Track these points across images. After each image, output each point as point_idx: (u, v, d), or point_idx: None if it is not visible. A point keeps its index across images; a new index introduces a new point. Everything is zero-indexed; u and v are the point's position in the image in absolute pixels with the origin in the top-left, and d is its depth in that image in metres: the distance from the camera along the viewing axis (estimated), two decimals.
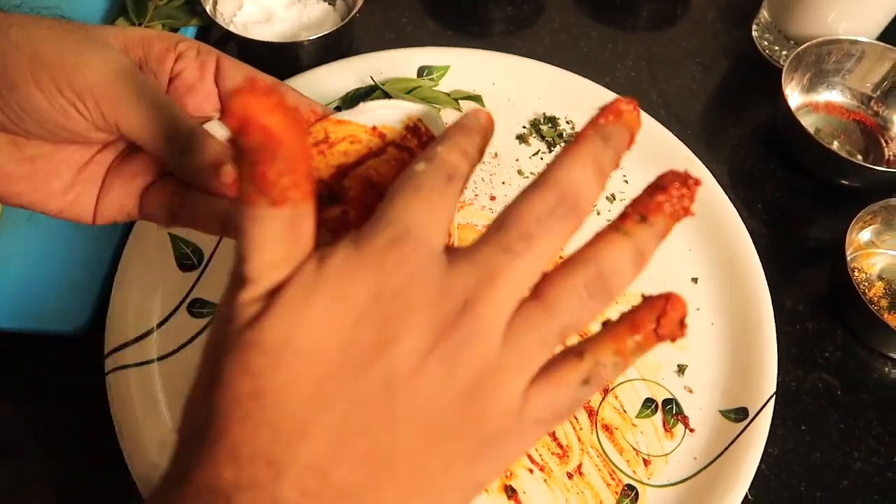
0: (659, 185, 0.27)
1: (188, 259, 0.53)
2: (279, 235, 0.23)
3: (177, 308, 0.50)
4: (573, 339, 0.26)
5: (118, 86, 0.29)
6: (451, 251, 0.25)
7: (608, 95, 0.63)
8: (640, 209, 0.27)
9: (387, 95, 0.60)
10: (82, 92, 0.29)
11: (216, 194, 0.32)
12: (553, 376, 0.25)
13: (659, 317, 0.26)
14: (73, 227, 0.53)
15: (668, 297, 0.27)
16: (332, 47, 0.64)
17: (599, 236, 0.26)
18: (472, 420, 0.23)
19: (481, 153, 0.29)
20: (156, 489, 0.23)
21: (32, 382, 0.49)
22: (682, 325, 0.27)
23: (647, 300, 0.27)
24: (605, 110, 0.27)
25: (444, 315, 0.23)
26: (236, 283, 0.23)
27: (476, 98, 0.63)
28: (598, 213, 0.58)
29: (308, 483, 0.21)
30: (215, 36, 0.69)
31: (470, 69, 0.63)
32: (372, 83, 0.61)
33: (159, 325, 0.49)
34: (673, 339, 0.27)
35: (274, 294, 0.23)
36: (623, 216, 0.27)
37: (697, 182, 0.27)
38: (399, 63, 0.63)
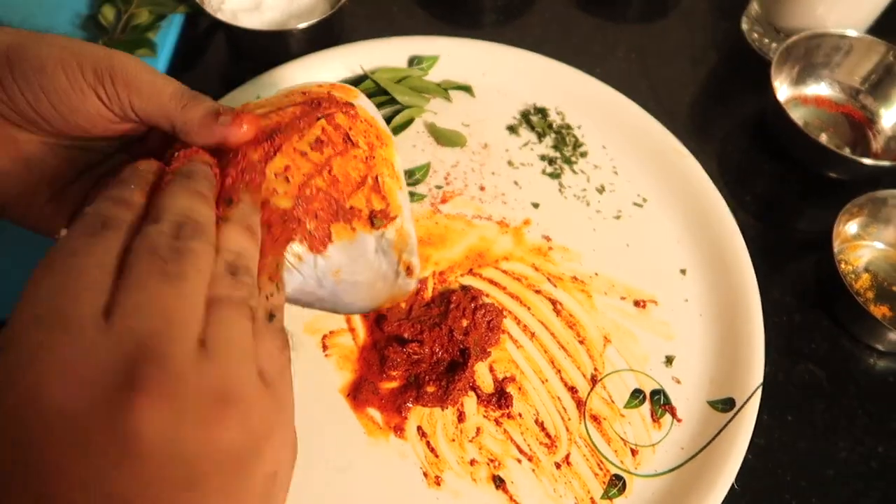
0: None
1: None
2: None
3: None
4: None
5: (135, 67, 0.32)
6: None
7: (599, 86, 0.62)
8: (223, 195, 0.30)
9: (376, 84, 0.60)
10: (104, 74, 0.31)
11: (216, 144, 0.33)
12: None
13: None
14: None
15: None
16: (322, 36, 0.63)
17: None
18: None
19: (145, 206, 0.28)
20: None
21: None
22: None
23: None
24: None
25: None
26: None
27: (466, 88, 0.62)
28: (588, 204, 0.58)
29: None
30: (204, 24, 0.68)
31: (460, 59, 0.63)
32: (361, 72, 0.61)
33: None
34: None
35: None
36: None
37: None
38: (389, 52, 0.62)
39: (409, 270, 0.38)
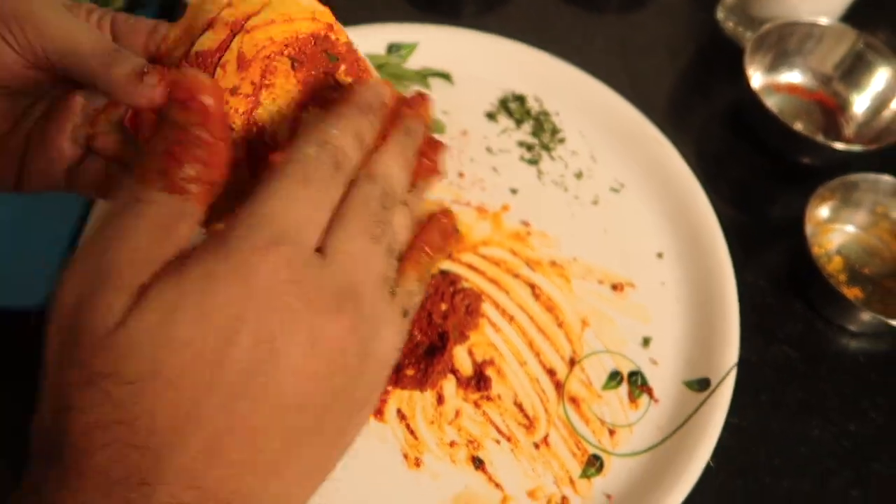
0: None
1: None
2: (155, 228, 0.22)
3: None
4: None
5: (44, 12, 0.29)
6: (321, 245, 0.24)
7: (577, 74, 0.63)
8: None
9: None
10: (8, 18, 0.29)
11: (140, 107, 0.31)
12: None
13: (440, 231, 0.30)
14: (33, 200, 0.52)
15: (444, 213, 0.30)
16: None
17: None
18: (355, 386, 0.24)
19: (383, 137, 0.28)
20: None
21: None
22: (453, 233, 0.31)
23: (429, 220, 0.30)
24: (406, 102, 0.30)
25: (324, 316, 0.23)
26: (92, 278, 0.22)
27: (445, 75, 0.63)
28: (566, 190, 0.58)
29: (184, 496, 0.21)
30: (180, 13, 0.68)
31: (439, 46, 0.63)
32: None
33: None
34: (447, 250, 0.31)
35: (136, 302, 0.21)
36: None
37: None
38: (367, 39, 0.62)
39: None
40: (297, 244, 0.23)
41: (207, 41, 0.31)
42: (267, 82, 0.31)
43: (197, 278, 0.22)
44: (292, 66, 0.31)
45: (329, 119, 0.27)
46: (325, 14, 0.33)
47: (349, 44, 0.34)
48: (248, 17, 0.32)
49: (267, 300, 0.22)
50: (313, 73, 0.31)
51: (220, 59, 0.31)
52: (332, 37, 0.33)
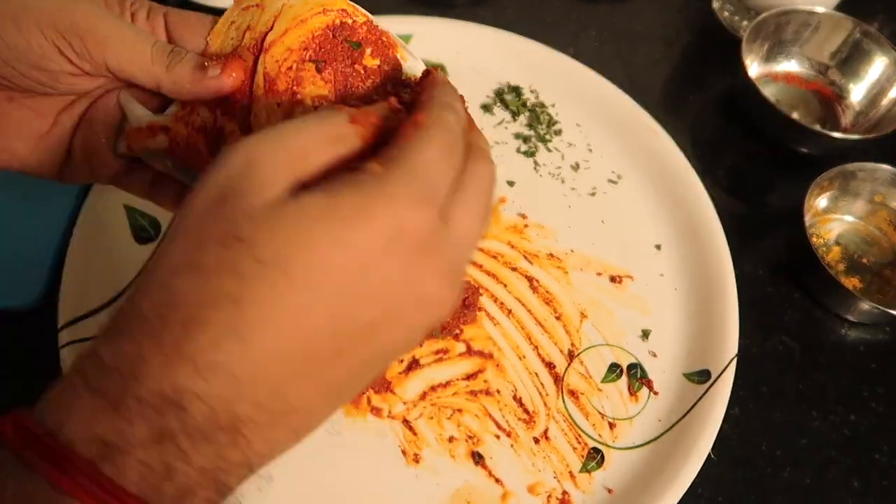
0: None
1: (145, 231, 0.51)
2: (327, 138, 0.24)
3: (134, 281, 0.49)
4: None
5: (102, 23, 0.30)
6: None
7: (573, 64, 0.62)
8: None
9: None
10: (67, 31, 0.29)
11: (210, 97, 0.32)
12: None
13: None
14: (23, 200, 0.52)
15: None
16: None
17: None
18: (415, 340, 0.26)
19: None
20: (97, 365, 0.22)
21: None
22: None
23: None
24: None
25: (436, 282, 0.25)
26: (263, 151, 0.23)
27: (440, 67, 0.62)
28: (563, 182, 0.58)
29: (262, 398, 0.22)
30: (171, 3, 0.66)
31: (433, 38, 0.63)
32: None
33: (116, 298, 0.48)
34: None
35: (295, 195, 0.23)
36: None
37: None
38: None
39: None
40: (437, 207, 0.24)
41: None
42: (297, 93, 0.31)
43: (352, 206, 0.23)
44: (317, 69, 0.31)
45: (448, 90, 0.29)
46: (335, 0, 0.32)
47: (368, 22, 0.33)
48: (265, 36, 0.31)
49: (405, 253, 0.23)
50: (340, 68, 0.31)
51: (251, 87, 0.31)
52: (349, 21, 0.32)
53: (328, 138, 0.25)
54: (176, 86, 0.31)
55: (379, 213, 0.23)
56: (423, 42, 0.62)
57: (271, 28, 0.32)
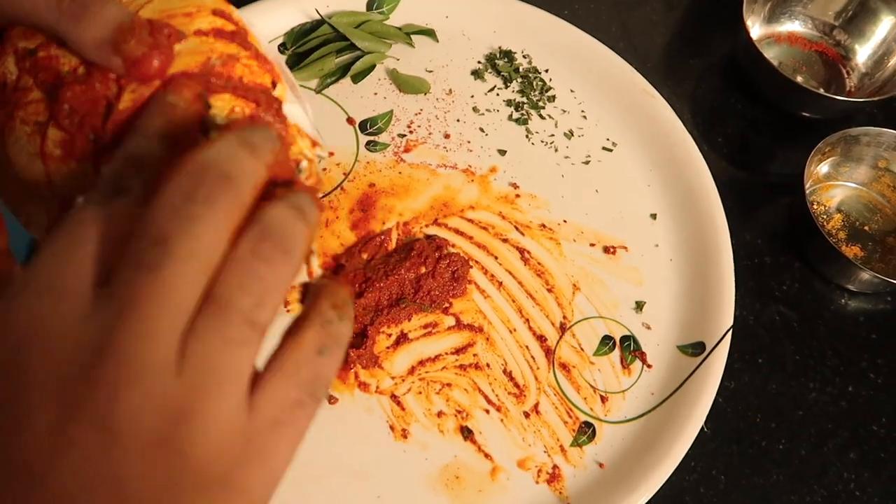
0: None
1: None
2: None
3: None
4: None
5: None
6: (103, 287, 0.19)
7: (567, 28, 0.60)
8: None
9: (334, 30, 0.57)
10: None
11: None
12: (276, 364, 0.20)
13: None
14: None
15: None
16: None
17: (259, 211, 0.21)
18: (180, 474, 0.18)
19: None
20: None
21: None
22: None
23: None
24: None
25: (73, 373, 0.18)
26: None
27: (429, 32, 0.60)
28: (556, 150, 0.56)
29: None
30: None
31: (422, 1, 0.60)
32: (318, 17, 0.58)
33: None
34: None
35: None
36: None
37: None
38: None
39: None
40: (49, 290, 0.20)
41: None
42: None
43: None
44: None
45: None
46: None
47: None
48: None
49: (10, 364, 0.19)
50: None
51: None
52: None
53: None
54: (78, 46, 0.25)
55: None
56: (411, 5, 0.60)
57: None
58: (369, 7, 0.59)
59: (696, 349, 0.48)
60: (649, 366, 0.49)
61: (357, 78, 0.57)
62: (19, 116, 0.26)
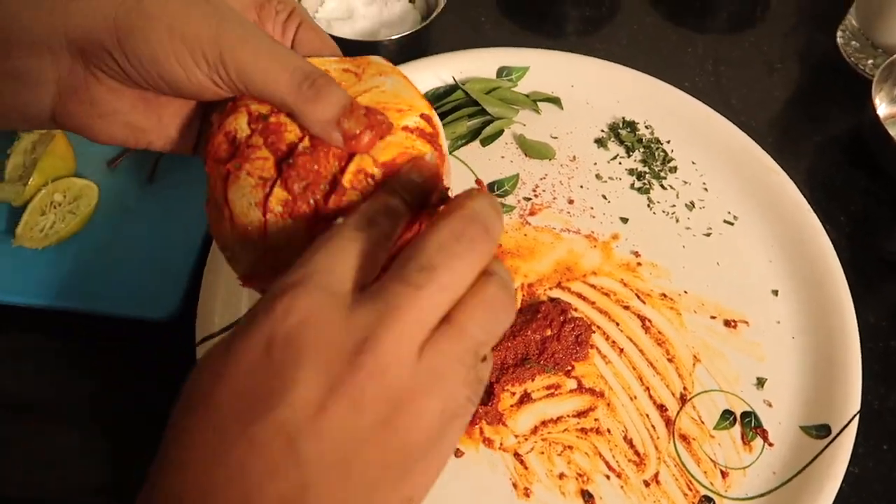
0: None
1: None
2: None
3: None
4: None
5: (245, 52, 0.30)
6: (361, 292, 0.25)
7: (688, 100, 0.62)
8: None
9: (467, 95, 0.61)
10: (217, 63, 0.30)
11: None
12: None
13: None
14: (164, 215, 0.55)
15: None
16: (411, 46, 0.64)
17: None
18: (392, 447, 0.23)
19: (426, 200, 0.29)
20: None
21: (133, 365, 0.51)
22: None
23: None
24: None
25: (340, 356, 0.23)
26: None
27: (554, 100, 0.63)
28: (678, 221, 0.57)
29: None
30: None
31: (549, 71, 0.63)
32: (452, 83, 0.61)
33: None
34: None
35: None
36: None
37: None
38: (479, 63, 0.63)
39: None
40: (315, 286, 0.24)
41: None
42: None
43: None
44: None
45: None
46: (420, 104, 0.33)
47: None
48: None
49: (283, 341, 0.23)
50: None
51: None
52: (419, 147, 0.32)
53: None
54: (307, 123, 0.31)
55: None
56: (538, 74, 0.63)
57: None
58: (499, 74, 0.63)
59: (821, 431, 0.48)
60: (771, 444, 0.49)
61: (486, 141, 0.60)
62: (246, 168, 0.31)
